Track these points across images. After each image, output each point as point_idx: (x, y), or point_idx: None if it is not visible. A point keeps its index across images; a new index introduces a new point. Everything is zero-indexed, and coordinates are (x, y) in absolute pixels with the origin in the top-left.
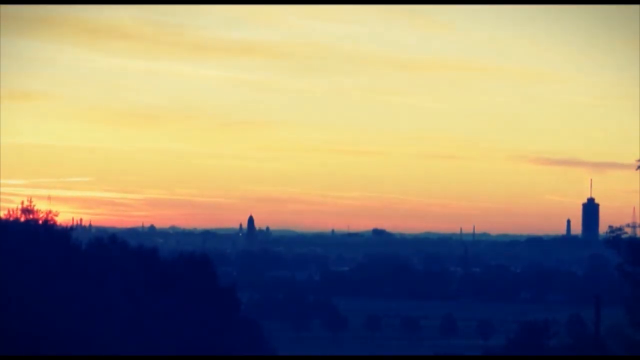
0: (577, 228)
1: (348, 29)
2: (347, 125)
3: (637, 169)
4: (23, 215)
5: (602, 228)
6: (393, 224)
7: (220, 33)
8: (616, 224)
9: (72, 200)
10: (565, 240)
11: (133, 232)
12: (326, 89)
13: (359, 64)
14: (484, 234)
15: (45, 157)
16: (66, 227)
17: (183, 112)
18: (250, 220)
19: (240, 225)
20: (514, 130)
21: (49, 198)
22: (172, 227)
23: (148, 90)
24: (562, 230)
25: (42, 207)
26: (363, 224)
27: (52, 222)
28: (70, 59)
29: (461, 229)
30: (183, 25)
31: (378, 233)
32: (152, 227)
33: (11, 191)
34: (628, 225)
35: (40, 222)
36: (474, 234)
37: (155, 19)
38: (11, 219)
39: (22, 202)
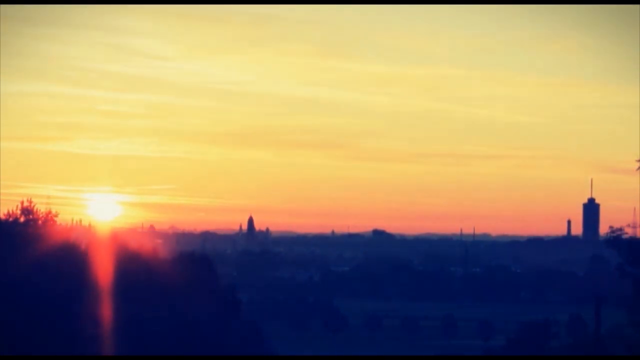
0: (577, 228)
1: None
2: (433, 138)
3: (637, 169)
4: (22, 216)
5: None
6: (393, 224)
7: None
8: (617, 224)
9: (152, 205)
10: (566, 241)
11: (133, 232)
12: (419, 104)
13: (444, 80)
14: (485, 235)
15: (134, 167)
16: (66, 227)
17: (275, 130)
18: (250, 221)
19: (240, 226)
20: (599, 141)
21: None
22: (172, 228)
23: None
24: (563, 231)
25: (131, 213)
26: (363, 224)
27: (51, 222)
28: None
29: (461, 229)
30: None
31: (378, 233)
32: (152, 228)
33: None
34: (628, 226)
35: (40, 222)
36: (474, 235)
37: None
38: (10, 219)
39: (22, 202)
